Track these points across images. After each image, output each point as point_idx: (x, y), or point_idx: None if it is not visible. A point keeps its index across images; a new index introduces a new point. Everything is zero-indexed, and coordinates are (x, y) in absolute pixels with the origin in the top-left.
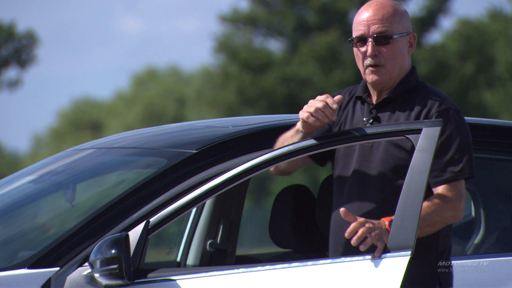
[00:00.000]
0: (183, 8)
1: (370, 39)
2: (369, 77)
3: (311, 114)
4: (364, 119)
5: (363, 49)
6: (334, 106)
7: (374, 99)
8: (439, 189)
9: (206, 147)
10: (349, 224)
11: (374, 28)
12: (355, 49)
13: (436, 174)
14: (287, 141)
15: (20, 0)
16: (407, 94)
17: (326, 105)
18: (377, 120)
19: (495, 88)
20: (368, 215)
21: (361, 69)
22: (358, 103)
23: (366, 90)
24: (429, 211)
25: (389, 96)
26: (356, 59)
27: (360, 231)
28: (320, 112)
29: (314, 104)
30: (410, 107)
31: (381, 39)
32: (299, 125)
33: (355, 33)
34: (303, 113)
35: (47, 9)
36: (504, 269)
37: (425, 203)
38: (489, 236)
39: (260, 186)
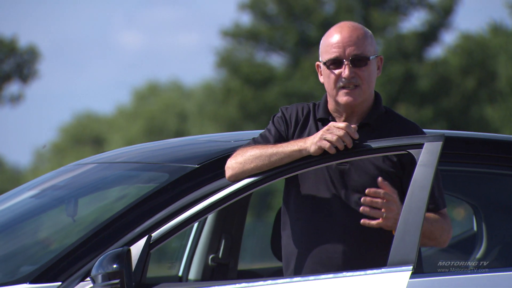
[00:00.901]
0: (184, 23)
1: (346, 62)
2: (343, 98)
3: (332, 144)
4: None
5: (337, 71)
6: (356, 136)
7: (341, 121)
8: (435, 215)
9: (208, 162)
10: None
11: (350, 50)
12: (326, 71)
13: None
14: (283, 159)
15: (22, 15)
16: (379, 119)
17: (347, 134)
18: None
19: (497, 103)
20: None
21: (332, 90)
22: (320, 125)
23: (328, 112)
24: (435, 225)
25: (367, 121)
26: (325, 80)
27: (379, 202)
28: (341, 142)
29: (335, 133)
30: (386, 133)
31: (358, 61)
32: (310, 149)
33: (327, 56)
34: (323, 142)
35: (48, 24)
36: (506, 284)
37: (433, 216)
38: (491, 251)
39: (261, 201)
